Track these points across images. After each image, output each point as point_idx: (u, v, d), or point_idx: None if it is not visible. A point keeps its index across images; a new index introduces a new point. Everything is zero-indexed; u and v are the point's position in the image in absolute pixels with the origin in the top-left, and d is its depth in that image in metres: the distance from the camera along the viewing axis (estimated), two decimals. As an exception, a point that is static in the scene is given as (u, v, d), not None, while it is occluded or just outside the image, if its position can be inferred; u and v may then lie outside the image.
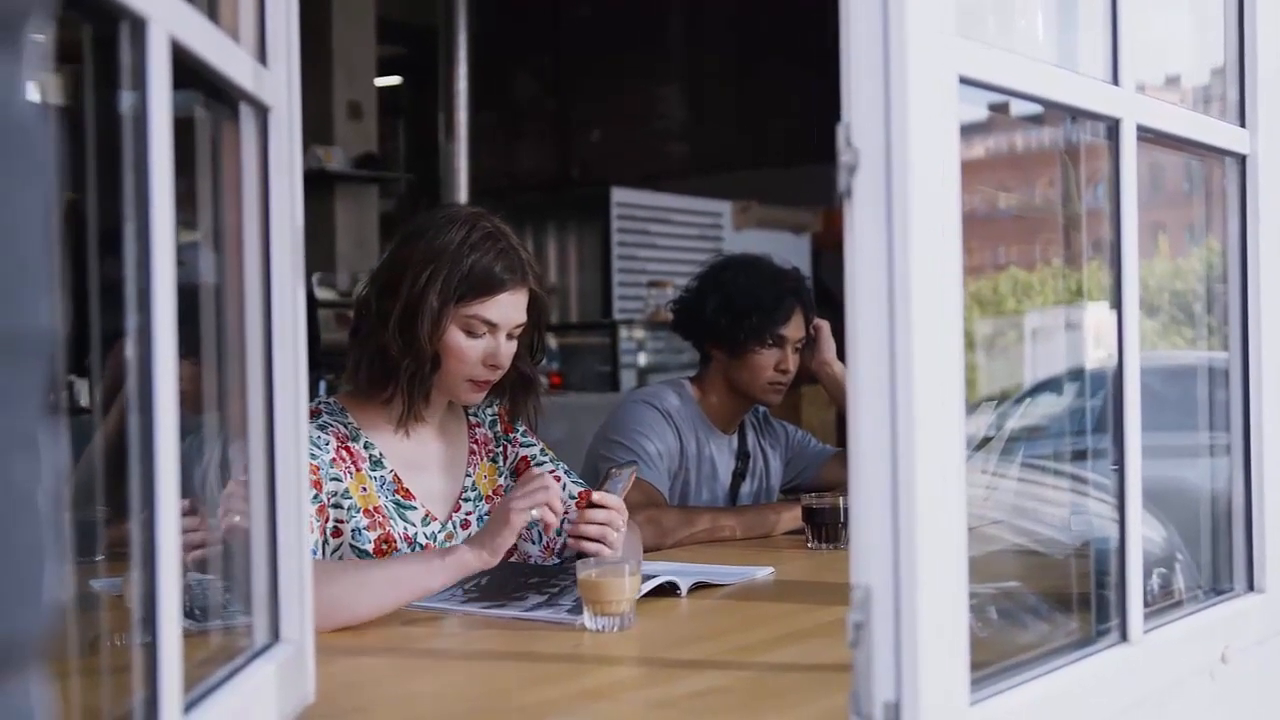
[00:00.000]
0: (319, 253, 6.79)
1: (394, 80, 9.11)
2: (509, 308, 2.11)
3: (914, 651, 1.10)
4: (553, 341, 7.26)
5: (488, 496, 2.25)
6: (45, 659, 0.56)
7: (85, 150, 0.98)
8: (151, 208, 0.97)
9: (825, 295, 4.83)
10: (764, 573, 2.26)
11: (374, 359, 2.11)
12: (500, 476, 2.28)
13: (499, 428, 2.32)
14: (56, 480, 0.54)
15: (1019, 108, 1.50)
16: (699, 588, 2.09)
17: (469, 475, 2.24)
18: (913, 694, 1.10)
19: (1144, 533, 1.47)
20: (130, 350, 0.97)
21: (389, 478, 2.12)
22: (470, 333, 2.09)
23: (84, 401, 2.37)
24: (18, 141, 0.52)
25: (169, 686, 0.98)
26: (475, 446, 2.27)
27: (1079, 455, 1.84)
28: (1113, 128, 1.44)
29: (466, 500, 2.22)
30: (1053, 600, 1.62)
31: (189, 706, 1.05)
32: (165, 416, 0.97)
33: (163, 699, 0.97)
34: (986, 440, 1.79)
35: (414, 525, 2.12)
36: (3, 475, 0.51)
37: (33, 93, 0.55)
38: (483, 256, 2.07)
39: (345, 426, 2.12)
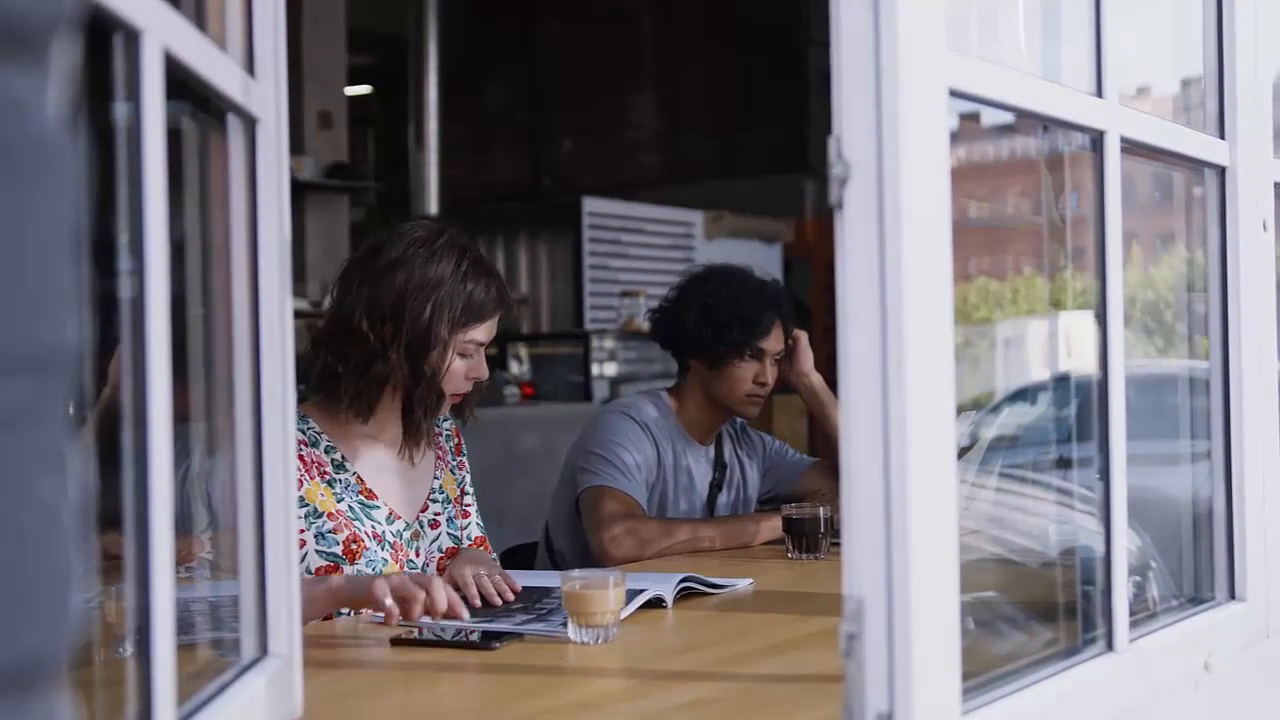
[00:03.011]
0: (289, 263, 6.74)
1: (364, 89, 9.09)
2: (495, 327, 2.24)
3: (907, 662, 1.10)
4: (524, 351, 7.24)
5: (454, 500, 2.34)
6: (68, 675, 0.56)
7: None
8: (146, 218, 0.96)
9: (796, 305, 4.83)
10: (743, 584, 2.26)
11: (373, 383, 2.14)
12: (457, 487, 2.38)
13: (451, 444, 2.40)
14: (82, 496, 0.54)
15: (990, 118, 1.50)
16: (685, 595, 2.09)
17: (437, 478, 2.33)
18: (906, 704, 1.10)
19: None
20: (123, 362, 0.96)
21: (352, 480, 2.18)
22: (464, 355, 2.19)
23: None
24: (45, 157, 0.52)
25: (162, 702, 0.97)
26: (440, 452, 2.36)
27: (1056, 464, 1.85)
28: (1097, 139, 1.45)
29: (435, 501, 2.31)
30: (1036, 610, 1.63)
31: (181, 722, 1.04)
32: (158, 428, 0.97)
33: (156, 714, 0.96)
34: (964, 450, 1.80)
35: (380, 523, 2.18)
36: (33, 493, 0.51)
37: (57, 108, 0.54)
38: (478, 286, 2.18)
39: (304, 432, 2.16)
